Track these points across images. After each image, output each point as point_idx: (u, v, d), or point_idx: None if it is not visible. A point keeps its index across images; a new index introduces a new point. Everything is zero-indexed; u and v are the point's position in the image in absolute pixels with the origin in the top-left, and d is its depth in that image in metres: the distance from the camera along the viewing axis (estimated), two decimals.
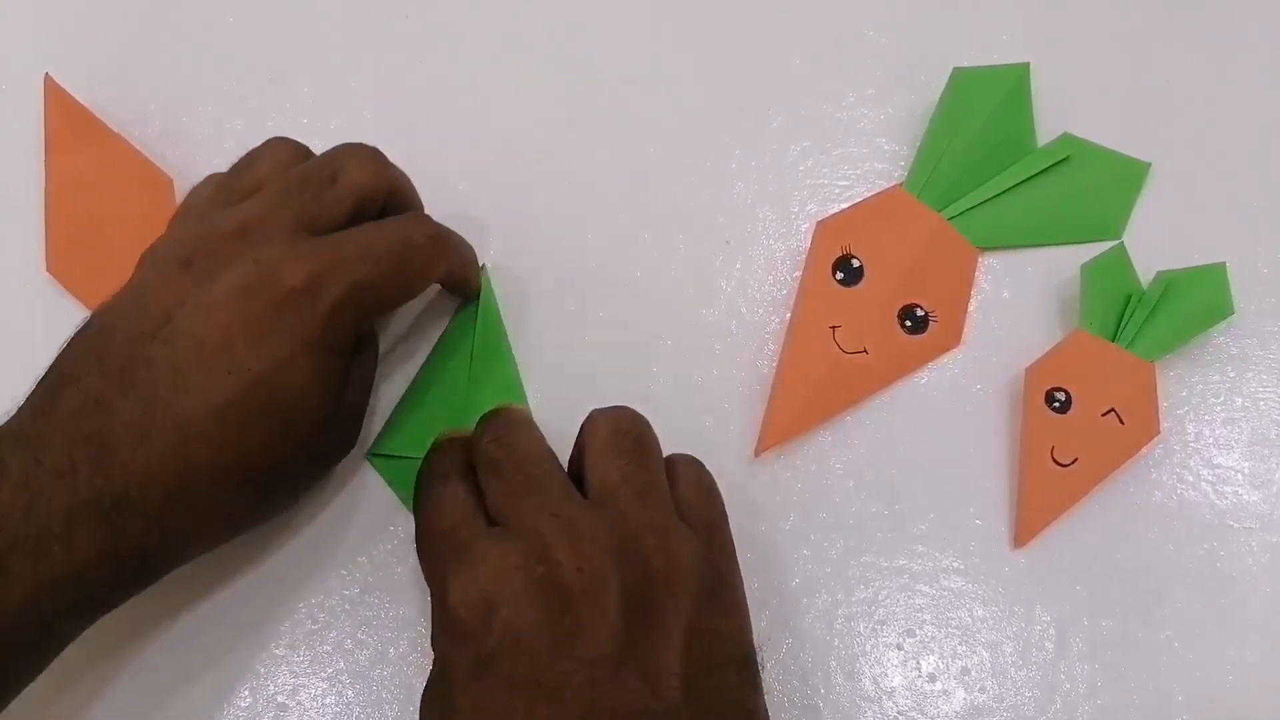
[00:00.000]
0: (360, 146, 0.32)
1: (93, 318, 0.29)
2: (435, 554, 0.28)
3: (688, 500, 0.29)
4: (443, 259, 0.33)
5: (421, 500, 0.30)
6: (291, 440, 0.29)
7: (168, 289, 0.28)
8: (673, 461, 0.30)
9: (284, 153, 0.33)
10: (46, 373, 0.29)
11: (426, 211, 0.35)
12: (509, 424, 0.30)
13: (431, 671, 0.28)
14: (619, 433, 0.29)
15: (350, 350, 0.31)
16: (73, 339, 0.29)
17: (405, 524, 0.34)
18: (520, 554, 0.26)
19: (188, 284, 0.28)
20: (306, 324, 0.29)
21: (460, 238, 0.35)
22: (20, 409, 0.28)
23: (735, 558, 0.29)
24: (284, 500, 0.32)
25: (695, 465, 0.31)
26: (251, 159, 0.33)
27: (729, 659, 0.27)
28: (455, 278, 0.34)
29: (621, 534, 0.27)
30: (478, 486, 0.29)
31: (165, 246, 0.30)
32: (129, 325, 0.28)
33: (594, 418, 0.30)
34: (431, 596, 0.28)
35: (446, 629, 0.26)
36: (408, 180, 0.34)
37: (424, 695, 0.28)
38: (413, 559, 0.34)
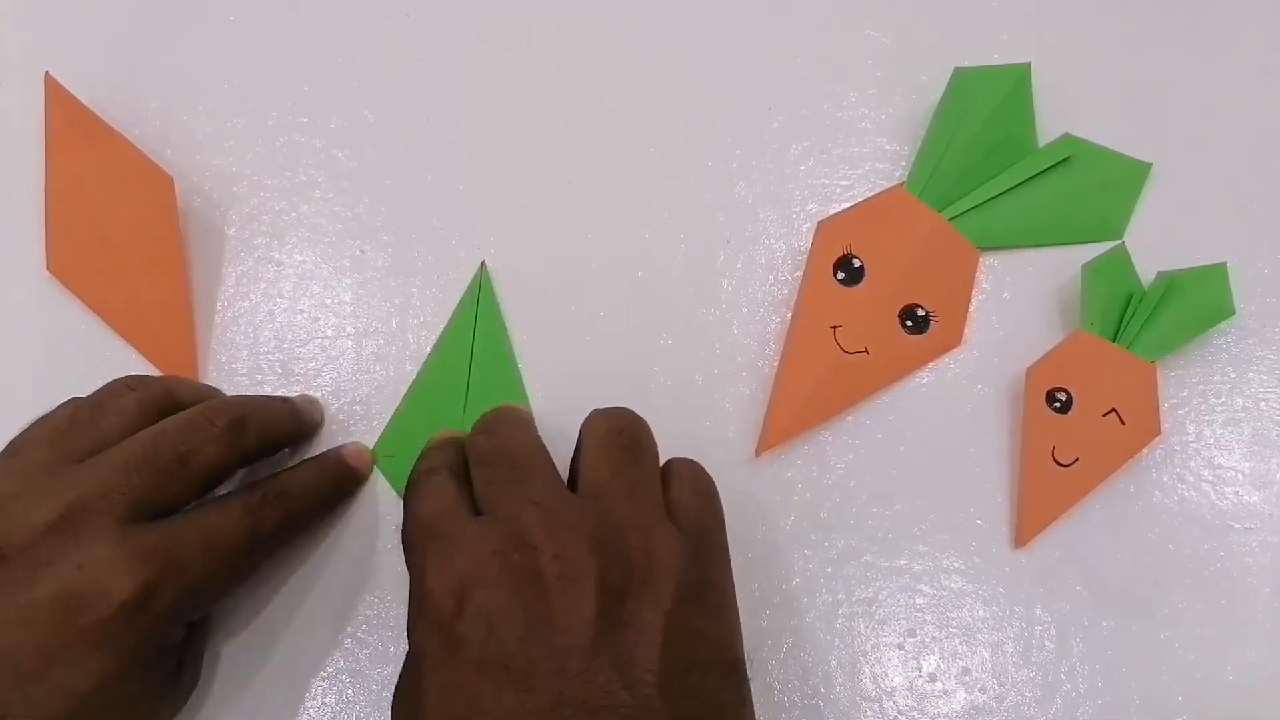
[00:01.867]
0: (222, 410, 0.30)
1: None
2: (418, 542, 0.28)
3: (681, 502, 0.29)
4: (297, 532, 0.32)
5: (409, 493, 0.30)
6: None
7: None
8: (672, 463, 0.30)
9: (131, 405, 0.29)
10: None
11: (423, 215, 0.33)
12: (500, 417, 0.30)
13: (405, 659, 0.27)
14: (615, 431, 0.29)
15: (182, 636, 0.30)
16: None
17: None
18: (498, 539, 0.26)
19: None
20: (136, 639, 0.27)
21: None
22: None
23: (728, 562, 0.29)
24: None
25: (694, 468, 0.30)
26: (96, 411, 0.29)
27: (712, 661, 0.27)
28: None
29: (603, 527, 0.27)
30: (468, 482, 0.29)
31: None
32: None
33: (593, 417, 0.30)
34: (410, 584, 0.28)
35: (421, 613, 0.26)
36: (270, 421, 0.31)
37: (397, 684, 0.27)
38: None
